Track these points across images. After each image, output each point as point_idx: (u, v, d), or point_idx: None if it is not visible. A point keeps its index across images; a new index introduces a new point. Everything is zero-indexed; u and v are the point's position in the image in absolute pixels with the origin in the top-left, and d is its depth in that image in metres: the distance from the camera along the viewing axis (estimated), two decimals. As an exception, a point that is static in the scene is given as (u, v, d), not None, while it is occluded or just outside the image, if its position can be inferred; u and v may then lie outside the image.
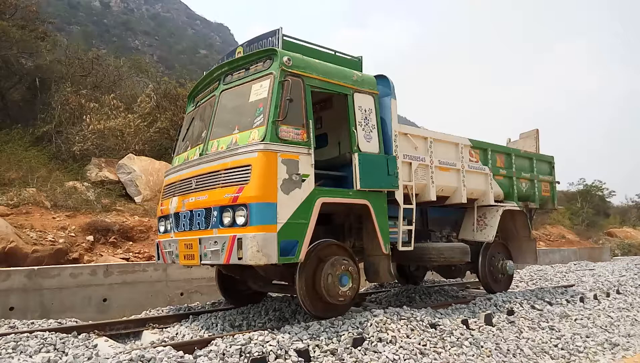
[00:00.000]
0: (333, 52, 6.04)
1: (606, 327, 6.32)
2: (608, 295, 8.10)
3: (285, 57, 5.10)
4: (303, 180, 4.87)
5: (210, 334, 5.16)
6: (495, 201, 7.60)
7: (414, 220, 6.15)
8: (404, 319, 5.03)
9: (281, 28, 5.45)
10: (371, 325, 4.75)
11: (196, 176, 5.23)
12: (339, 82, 5.59)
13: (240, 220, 4.60)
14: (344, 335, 4.51)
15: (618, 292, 8.44)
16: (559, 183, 9.19)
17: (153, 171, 11.52)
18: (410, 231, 6.13)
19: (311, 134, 5.05)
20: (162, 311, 6.64)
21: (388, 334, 4.62)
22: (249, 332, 4.41)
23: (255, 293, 6.68)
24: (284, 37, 5.47)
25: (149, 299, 7.30)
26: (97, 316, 6.61)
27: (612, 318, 6.74)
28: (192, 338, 5.06)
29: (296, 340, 4.28)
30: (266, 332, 4.40)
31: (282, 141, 4.80)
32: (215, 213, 4.82)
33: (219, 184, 4.89)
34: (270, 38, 5.55)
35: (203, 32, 75.45)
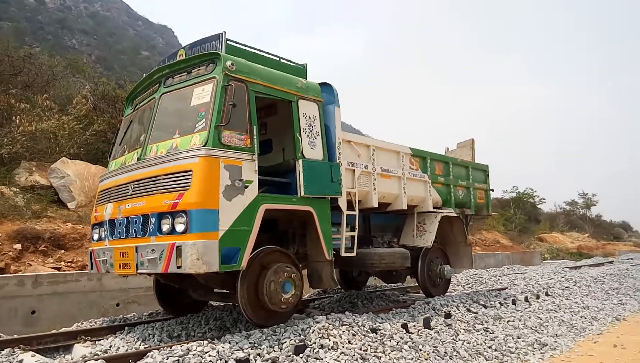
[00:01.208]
0: (278, 59, 6.04)
1: (536, 327, 6.66)
2: (538, 297, 8.54)
3: (229, 61, 5.04)
4: (246, 186, 4.81)
5: (146, 346, 4.96)
6: (434, 207, 7.84)
7: (356, 226, 6.23)
8: (346, 325, 5.07)
9: (224, 32, 5.39)
10: (313, 331, 4.75)
11: (133, 182, 5.04)
12: (284, 89, 5.59)
13: (179, 227, 4.47)
14: (285, 342, 4.48)
15: (547, 294, 8.92)
16: (492, 190, 9.63)
17: (88, 175, 11.04)
18: (353, 237, 6.21)
19: (255, 140, 5.00)
20: (96, 323, 6.33)
21: (330, 340, 4.63)
22: (188, 343, 4.29)
23: (196, 303, 6.51)
24: (228, 42, 5.41)
25: (82, 310, 6.95)
26: (24, 330, 6.20)
27: (541, 319, 7.11)
28: (126, 350, 4.85)
29: (237, 350, 4.21)
30: (205, 342, 4.30)
31: (224, 147, 4.72)
32: (153, 220, 4.67)
33: (157, 190, 4.74)
34: (213, 42, 5.47)
35: (145, 33, 73.25)
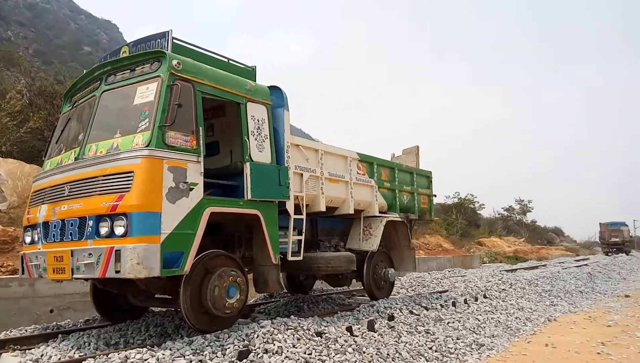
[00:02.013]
0: (226, 60, 5.95)
1: (474, 328, 6.91)
2: (476, 299, 8.87)
3: (175, 60, 4.92)
4: (191, 189, 4.71)
5: (81, 354, 4.74)
6: (380, 212, 7.99)
7: (304, 230, 6.25)
8: (291, 329, 5.06)
9: (171, 30, 5.26)
10: (258, 336, 4.70)
11: (70, 182, 4.82)
12: (232, 90, 5.52)
13: (119, 230, 4.31)
14: (229, 348, 4.41)
15: (485, 296, 9.28)
16: (435, 196, 9.95)
17: (22, 175, 10.43)
18: (300, 241, 6.21)
19: (201, 141, 4.90)
20: (27, 330, 5.98)
21: (274, 345, 4.61)
22: (126, 350, 4.14)
23: (135, 309, 6.29)
24: (174, 40, 5.28)
25: (12, 318, 6.54)
26: (-55, 340, 5.75)
27: (479, 320, 7.38)
28: (59, 359, 4.61)
29: (178, 357, 4.10)
30: (145, 349, 4.16)
31: (169, 148, 4.60)
32: (90, 223, 4.47)
33: (96, 191, 4.55)
34: (159, 40, 5.33)
35: (88, 27, 70.10)
